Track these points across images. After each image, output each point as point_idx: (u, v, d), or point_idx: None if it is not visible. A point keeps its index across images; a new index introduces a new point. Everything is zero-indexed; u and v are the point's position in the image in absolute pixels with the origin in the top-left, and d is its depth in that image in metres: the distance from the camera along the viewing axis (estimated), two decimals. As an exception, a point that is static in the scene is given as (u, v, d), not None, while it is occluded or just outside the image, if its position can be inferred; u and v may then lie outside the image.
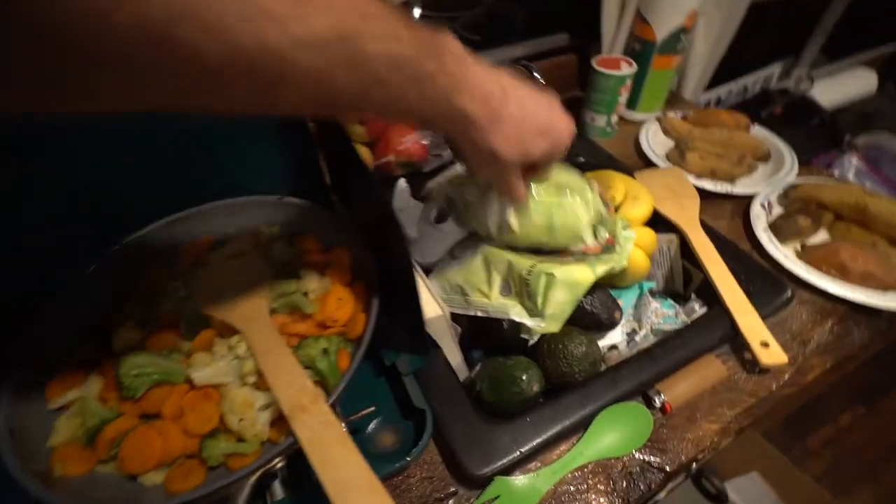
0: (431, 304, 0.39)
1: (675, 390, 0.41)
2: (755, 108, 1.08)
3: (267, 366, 0.30)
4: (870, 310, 0.47)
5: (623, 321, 0.49)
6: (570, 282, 0.38)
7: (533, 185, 0.39)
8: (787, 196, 0.58)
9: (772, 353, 0.42)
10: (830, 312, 0.48)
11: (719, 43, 0.82)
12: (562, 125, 0.33)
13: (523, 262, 0.40)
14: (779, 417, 1.25)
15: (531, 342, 0.40)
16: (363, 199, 0.43)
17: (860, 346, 0.46)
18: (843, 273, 0.48)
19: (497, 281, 0.42)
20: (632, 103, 0.74)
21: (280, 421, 0.30)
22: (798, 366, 0.44)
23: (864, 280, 0.47)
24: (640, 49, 0.68)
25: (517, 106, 0.29)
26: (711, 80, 0.97)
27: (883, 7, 1.34)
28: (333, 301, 0.38)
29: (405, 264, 0.34)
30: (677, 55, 0.69)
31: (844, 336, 0.46)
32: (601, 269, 0.40)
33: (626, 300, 0.51)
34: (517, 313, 0.39)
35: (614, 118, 0.70)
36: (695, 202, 0.56)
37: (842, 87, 1.21)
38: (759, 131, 0.70)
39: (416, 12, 0.64)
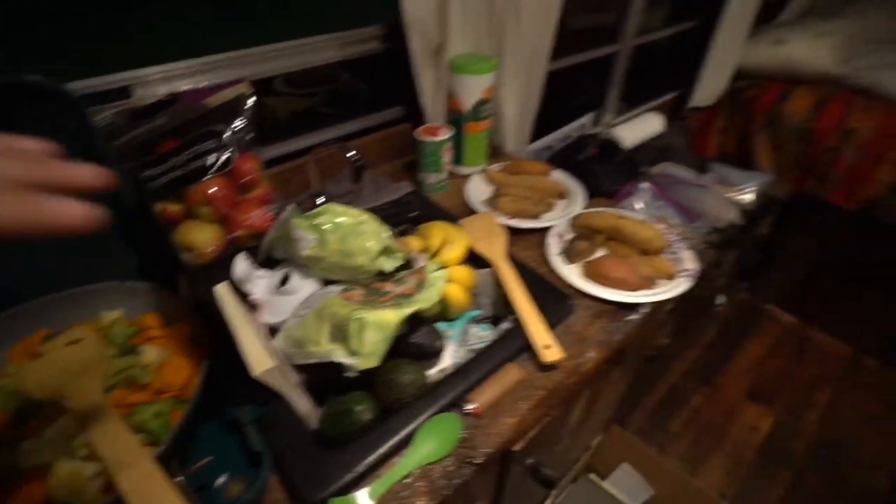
0: (264, 358, 0.45)
1: (483, 397, 0.51)
2: (576, 151, 1.31)
3: (95, 435, 0.34)
4: (627, 306, 0.62)
5: (453, 347, 0.59)
6: (380, 323, 0.47)
7: (335, 211, 0.52)
8: (573, 225, 0.74)
9: (552, 353, 0.53)
10: (601, 313, 0.62)
11: (527, 105, 1.01)
12: None
13: (344, 311, 0.48)
14: (571, 404, 1.42)
15: (352, 375, 0.48)
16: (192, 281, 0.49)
17: (623, 336, 0.60)
18: (606, 281, 0.63)
19: (326, 330, 0.49)
20: (458, 160, 0.88)
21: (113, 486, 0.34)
22: (578, 360, 0.56)
23: (621, 284, 0.62)
24: (454, 117, 0.83)
25: None
26: (537, 133, 1.17)
27: (659, 65, 1.71)
28: (171, 370, 0.43)
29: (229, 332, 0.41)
30: (485, 120, 0.84)
31: (612, 331, 0.60)
32: (409, 309, 0.49)
33: (457, 329, 0.61)
34: (339, 355, 0.47)
35: (443, 175, 0.83)
36: (502, 239, 0.68)
37: (638, 128, 1.51)
38: (557, 175, 0.87)
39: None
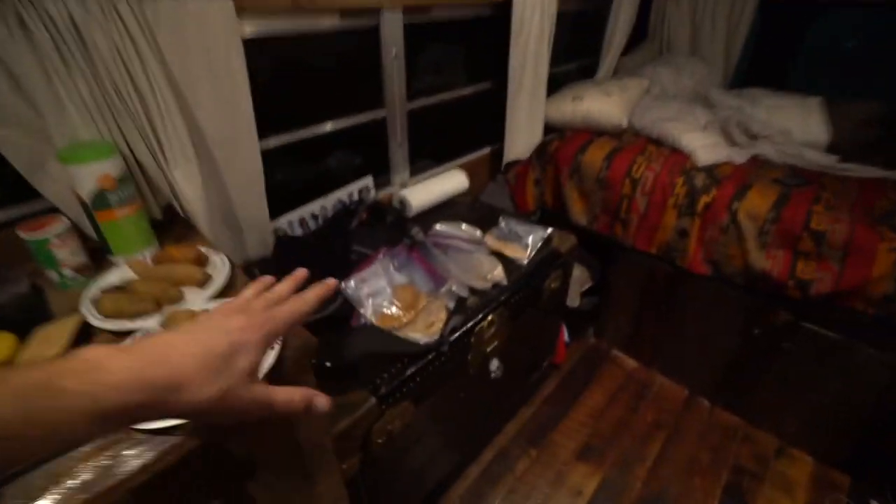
0: None
1: None
2: (349, 218, 1.26)
3: None
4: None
5: None
6: None
7: None
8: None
9: None
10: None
11: (226, 185, 0.96)
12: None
13: None
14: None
15: None
16: None
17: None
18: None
19: None
20: (110, 250, 0.80)
21: None
22: None
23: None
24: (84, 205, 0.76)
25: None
26: (283, 206, 1.12)
27: (471, 121, 1.73)
28: None
29: None
30: (125, 206, 0.77)
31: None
32: None
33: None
34: None
35: (67, 271, 0.74)
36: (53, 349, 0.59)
37: (437, 187, 1.49)
38: (214, 259, 0.80)
39: None
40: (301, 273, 0.47)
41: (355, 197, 1.35)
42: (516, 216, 1.42)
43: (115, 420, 0.28)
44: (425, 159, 1.64)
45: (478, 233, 1.32)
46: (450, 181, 1.54)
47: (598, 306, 1.84)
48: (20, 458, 0.26)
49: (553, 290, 1.35)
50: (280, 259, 1.09)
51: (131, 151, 0.83)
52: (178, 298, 0.73)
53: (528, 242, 1.29)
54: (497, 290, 1.15)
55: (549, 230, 1.34)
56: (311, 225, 1.27)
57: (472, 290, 1.12)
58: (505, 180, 1.81)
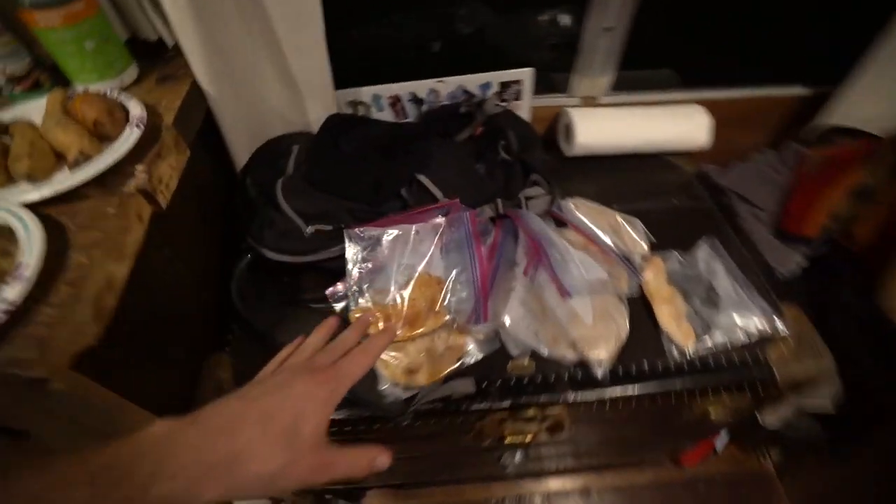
0: None
1: None
2: (453, 123, 0.80)
3: None
4: None
5: None
6: None
7: None
8: None
9: None
10: None
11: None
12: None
13: None
14: None
15: None
16: None
17: None
18: None
19: None
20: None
21: None
22: None
23: None
24: None
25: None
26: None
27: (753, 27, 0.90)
28: None
29: None
30: (35, 12, 0.50)
31: None
32: None
33: None
34: None
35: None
36: None
37: (631, 124, 0.85)
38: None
39: None
40: (365, 319, 0.48)
41: (490, 92, 0.83)
42: (754, 242, 0.74)
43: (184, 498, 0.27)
44: (644, 69, 0.93)
45: (643, 247, 0.71)
46: (671, 122, 0.86)
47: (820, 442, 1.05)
48: None
49: (706, 412, 0.72)
50: (316, 152, 0.73)
51: None
52: (41, 172, 0.47)
53: (717, 324, 0.64)
54: (581, 374, 0.61)
55: (781, 327, 0.64)
56: (408, 111, 0.84)
57: (536, 354, 0.62)
58: (796, 159, 0.97)
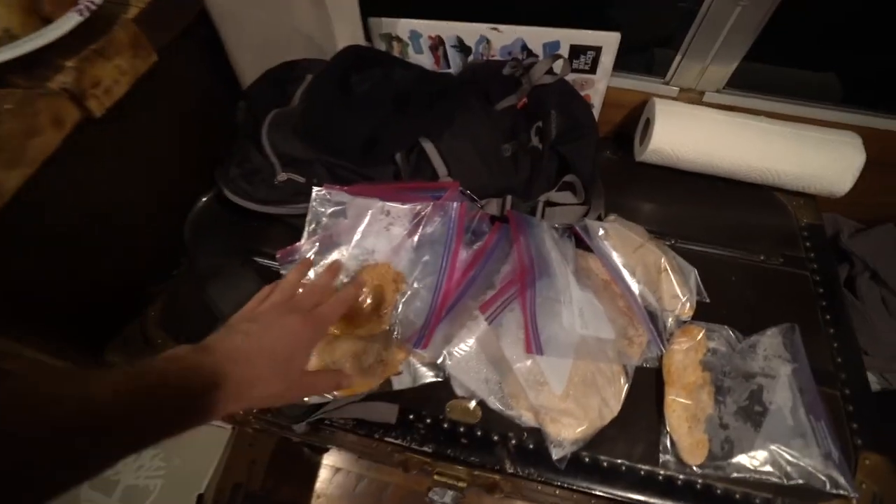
0: None
1: None
2: (494, 84, 0.64)
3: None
4: None
5: None
6: None
7: None
8: None
9: None
10: None
11: None
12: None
13: None
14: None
15: None
16: None
17: None
18: None
19: None
20: None
21: None
22: None
23: None
24: None
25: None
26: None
27: None
28: None
29: None
30: None
31: None
32: None
33: None
34: None
35: None
36: None
37: (743, 143, 0.62)
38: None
39: None
40: (337, 265, 0.49)
41: (561, 54, 0.64)
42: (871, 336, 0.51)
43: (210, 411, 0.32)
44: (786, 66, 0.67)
45: (685, 308, 0.52)
46: (803, 147, 0.61)
47: None
48: (132, 447, 0.28)
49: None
50: (315, 88, 0.62)
51: None
52: None
53: (747, 448, 0.46)
54: (532, 445, 0.47)
55: (847, 486, 0.43)
56: (451, 59, 0.69)
57: (485, 405, 0.48)
58: None
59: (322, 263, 0.52)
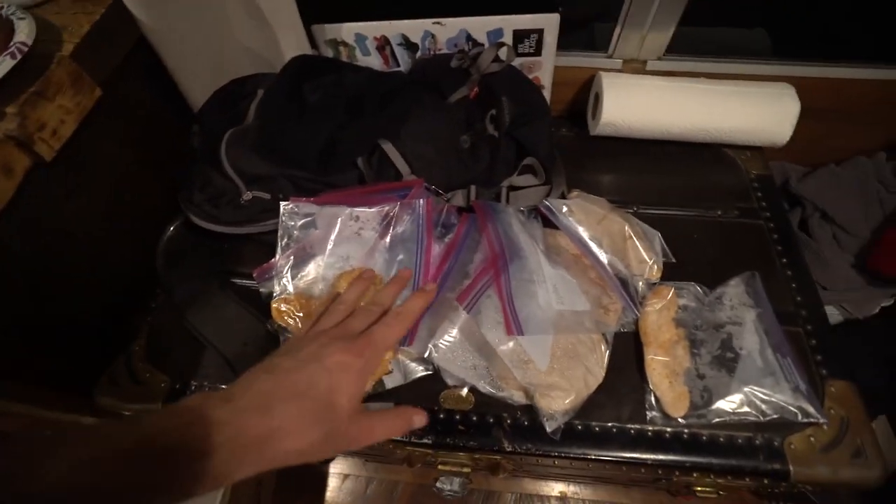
0: None
1: None
2: (444, 76, 0.64)
3: None
4: None
5: None
6: None
7: None
8: None
9: None
10: None
11: None
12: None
13: None
14: None
15: None
16: None
17: None
18: None
19: None
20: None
21: None
22: None
23: None
24: None
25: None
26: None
27: None
28: None
29: None
30: None
31: None
32: None
33: None
34: None
35: None
36: None
37: (685, 100, 0.65)
38: None
39: None
40: (406, 273, 0.44)
41: (505, 41, 0.65)
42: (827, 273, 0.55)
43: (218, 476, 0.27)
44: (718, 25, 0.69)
45: (653, 270, 0.55)
46: (743, 102, 0.64)
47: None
48: None
49: (690, 487, 0.57)
50: (266, 102, 0.62)
51: None
52: None
53: (723, 394, 0.49)
54: (527, 422, 0.49)
55: (816, 413, 0.47)
56: (399, 57, 0.69)
57: (477, 391, 0.50)
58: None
59: (326, 277, 0.51)
